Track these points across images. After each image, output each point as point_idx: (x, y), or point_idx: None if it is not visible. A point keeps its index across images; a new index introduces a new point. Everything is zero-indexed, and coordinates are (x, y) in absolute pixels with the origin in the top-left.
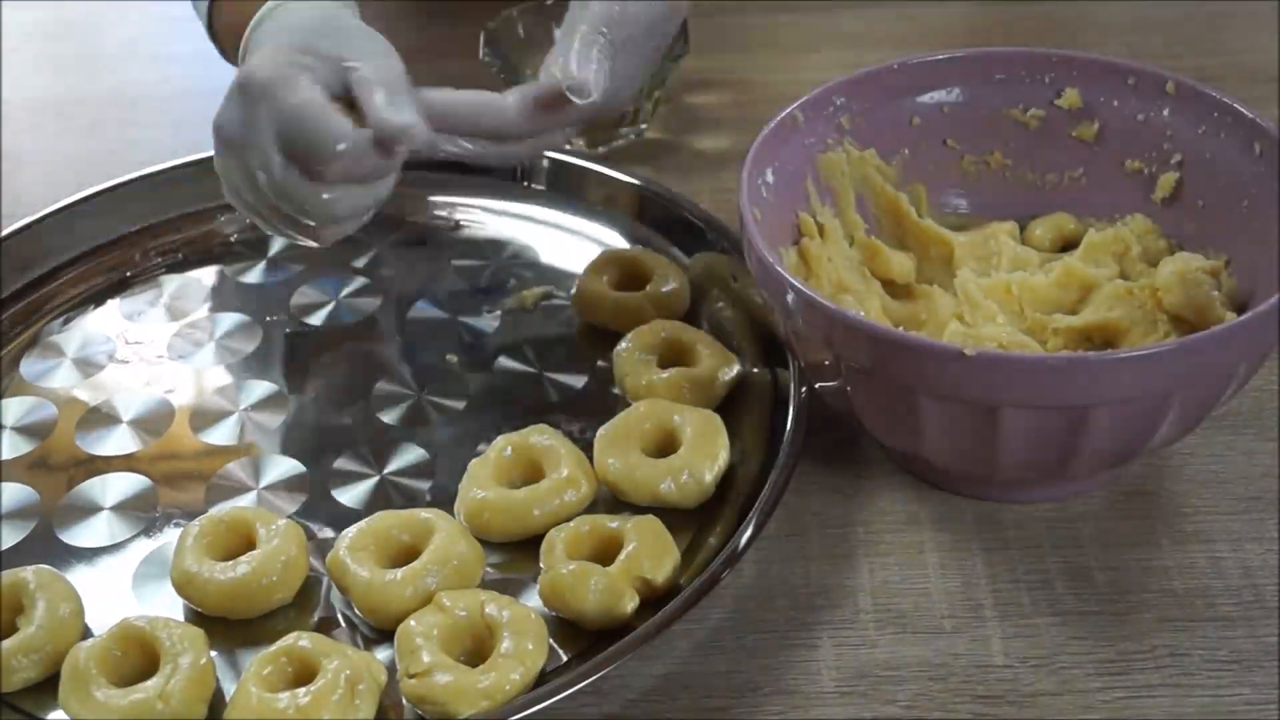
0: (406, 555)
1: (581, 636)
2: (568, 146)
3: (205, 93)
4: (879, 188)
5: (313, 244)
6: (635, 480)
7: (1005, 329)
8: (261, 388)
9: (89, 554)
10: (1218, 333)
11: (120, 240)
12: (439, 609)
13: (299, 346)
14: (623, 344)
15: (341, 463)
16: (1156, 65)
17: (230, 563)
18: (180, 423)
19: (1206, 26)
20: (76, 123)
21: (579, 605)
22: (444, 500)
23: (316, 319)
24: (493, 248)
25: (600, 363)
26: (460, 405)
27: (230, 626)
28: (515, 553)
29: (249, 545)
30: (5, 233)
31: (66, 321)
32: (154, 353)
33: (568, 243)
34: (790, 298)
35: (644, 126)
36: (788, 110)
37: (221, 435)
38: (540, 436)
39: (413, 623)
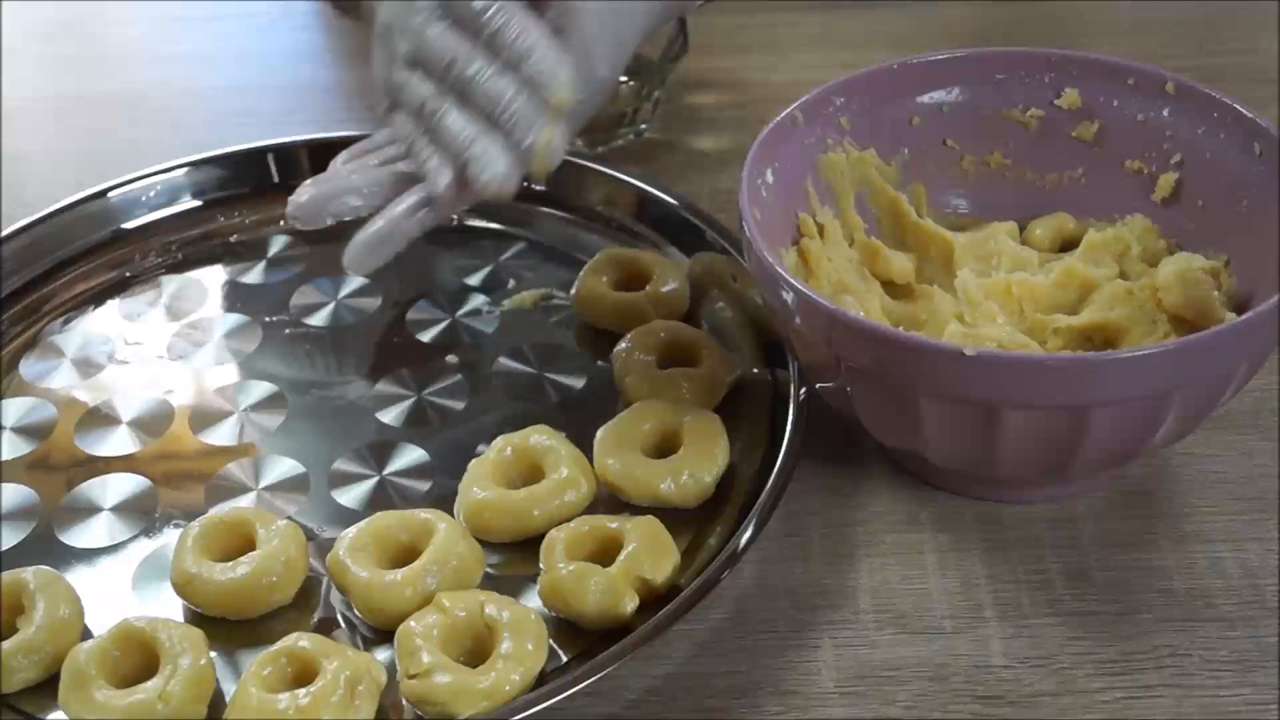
0: (406, 556)
1: (581, 637)
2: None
3: (205, 93)
4: (879, 188)
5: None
6: (635, 480)
7: (1005, 329)
8: (261, 388)
9: (89, 554)
10: (1218, 333)
11: (120, 240)
12: (439, 609)
13: (299, 346)
14: (623, 344)
15: (341, 463)
16: (1156, 65)
17: (230, 563)
18: (180, 423)
19: (1206, 26)
20: (76, 123)
21: (579, 606)
22: (444, 501)
23: (316, 319)
24: (493, 248)
25: (600, 363)
26: (460, 405)
27: (230, 627)
28: (515, 553)
29: (249, 546)
30: (5, 233)
31: (66, 322)
32: (154, 353)
33: (568, 243)
34: (790, 298)
35: (644, 126)
36: (788, 110)
37: (221, 436)
38: (540, 437)
39: (412, 623)
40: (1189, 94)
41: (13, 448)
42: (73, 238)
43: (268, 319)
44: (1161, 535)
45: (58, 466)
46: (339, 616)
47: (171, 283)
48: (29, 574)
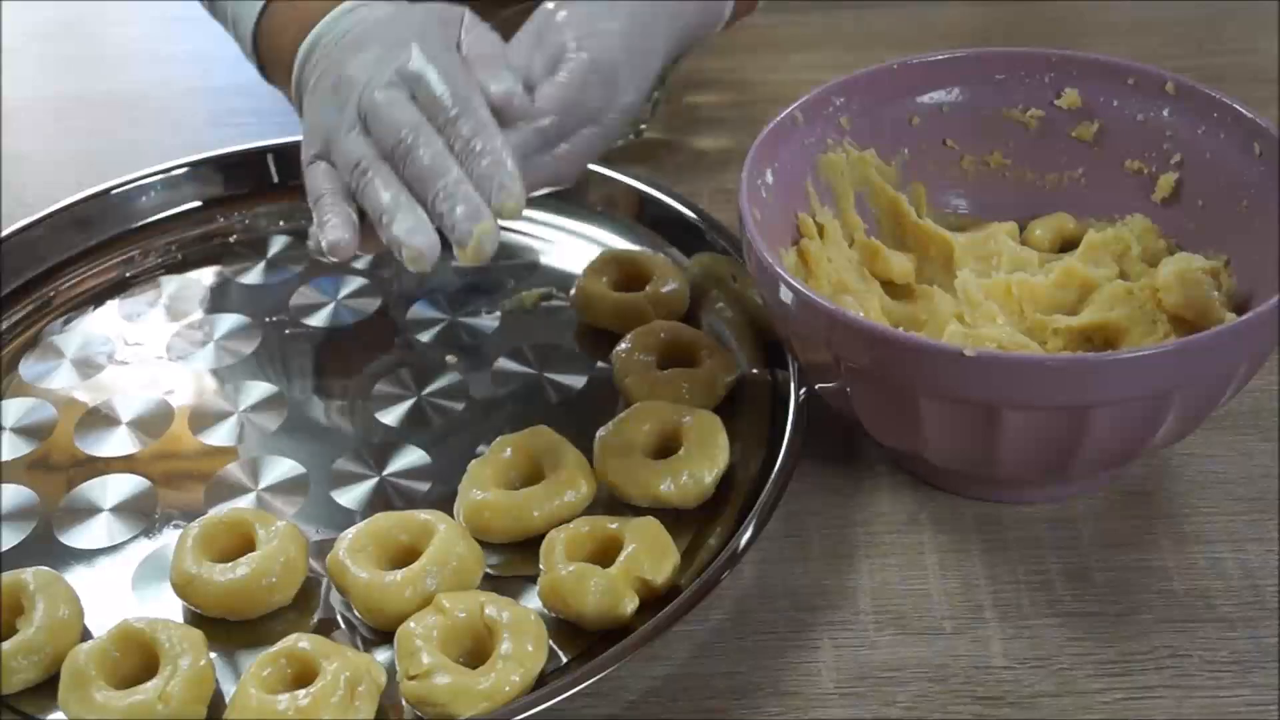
0: (406, 556)
1: (581, 638)
2: None
3: (205, 93)
4: (879, 188)
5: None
6: (635, 481)
7: (1005, 329)
8: (261, 388)
9: (88, 555)
10: (1218, 333)
11: (120, 240)
12: (439, 610)
13: (299, 347)
14: (623, 344)
15: (341, 464)
16: (1156, 65)
17: (230, 564)
18: (179, 424)
19: (1206, 26)
20: (76, 123)
21: (579, 606)
22: (443, 501)
23: (316, 319)
24: None
25: (600, 363)
26: (460, 406)
27: (230, 628)
28: (515, 554)
29: (248, 546)
30: (5, 233)
31: (66, 322)
32: (153, 353)
33: (568, 243)
34: (790, 298)
35: (644, 126)
36: (788, 110)
37: (221, 436)
38: (539, 437)
39: (412, 624)
40: (1189, 94)
41: (13, 448)
42: (73, 238)
43: (268, 319)
44: (1161, 535)
45: (58, 467)
46: (339, 617)
47: (171, 283)
48: (29, 574)
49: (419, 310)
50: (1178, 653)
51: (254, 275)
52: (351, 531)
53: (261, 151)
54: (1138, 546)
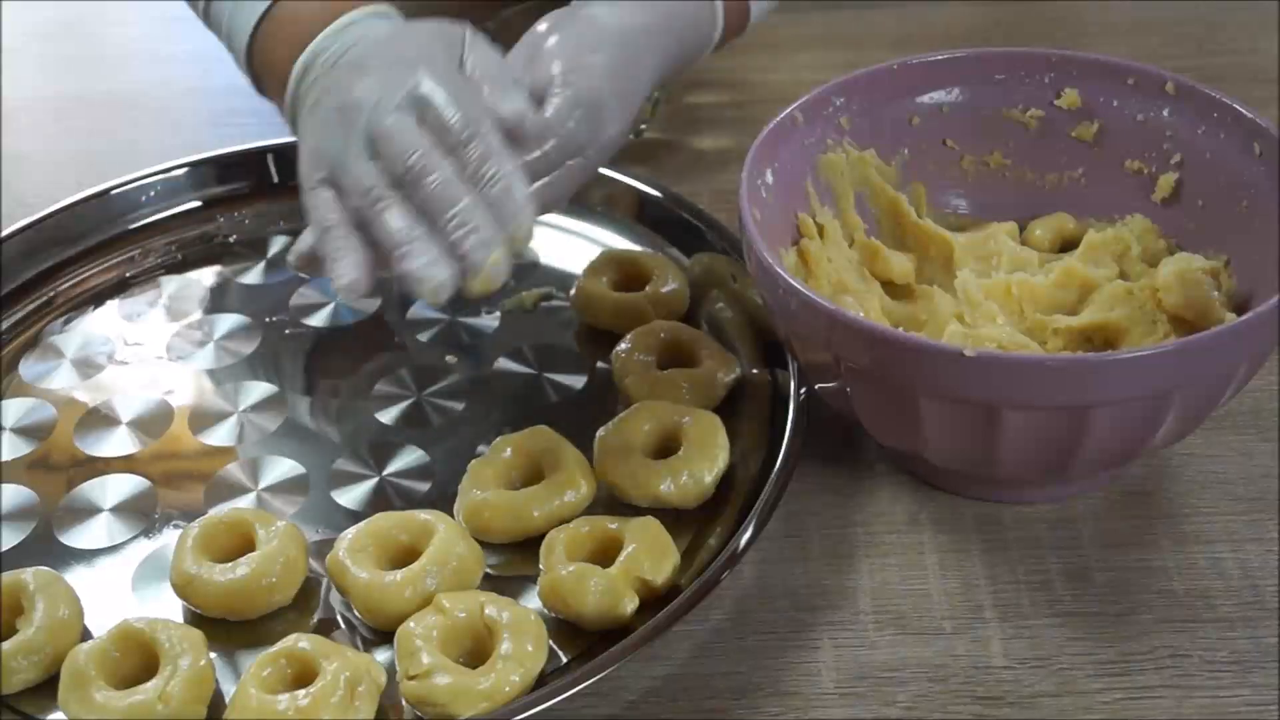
0: (406, 556)
1: (581, 638)
2: None
3: (205, 92)
4: (879, 188)
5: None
6: (635, 481)
7: (1005, 329)
8: (261, 389)
9: (88, 555)
10: (1218, 333)
11: (120, 240)
12: (438, 610)
13: (299, 347)
14: (623, 344)
15: (341, 464)
16: (1156, 65)
17: (230, 564)
18: (179, 424)
19: (1206, 26)
20: (76, 123)
21: (579, 606)
22: (443, 501)
23: (316, 319)
24: None
25: (600, 363)
26: (460, 406)
27: (230, 628)
28: (515, 554)
29: (248, 547)
30: (5, 233)
31: (66, 322)
32: (153, 353)
33: (568, 243)
34: (790, 298)
35: (644, 127)
36: (788, 110)
37: (221, 436)
38: (540, 438)
39: (412, 624)
40: (1189, 94)
41: (13, 448)
42: (73, 238)
43: (268, 319)
44: (1161, 535)
45: (58, 467)
46: (339, 617)
47: (171, 283)
48: (29, 575)
49: (419, 310)
50: (1178, 653)
51: (254, 275)
52: (351, 531)
53: (261, 151)
54: (1138, 546)
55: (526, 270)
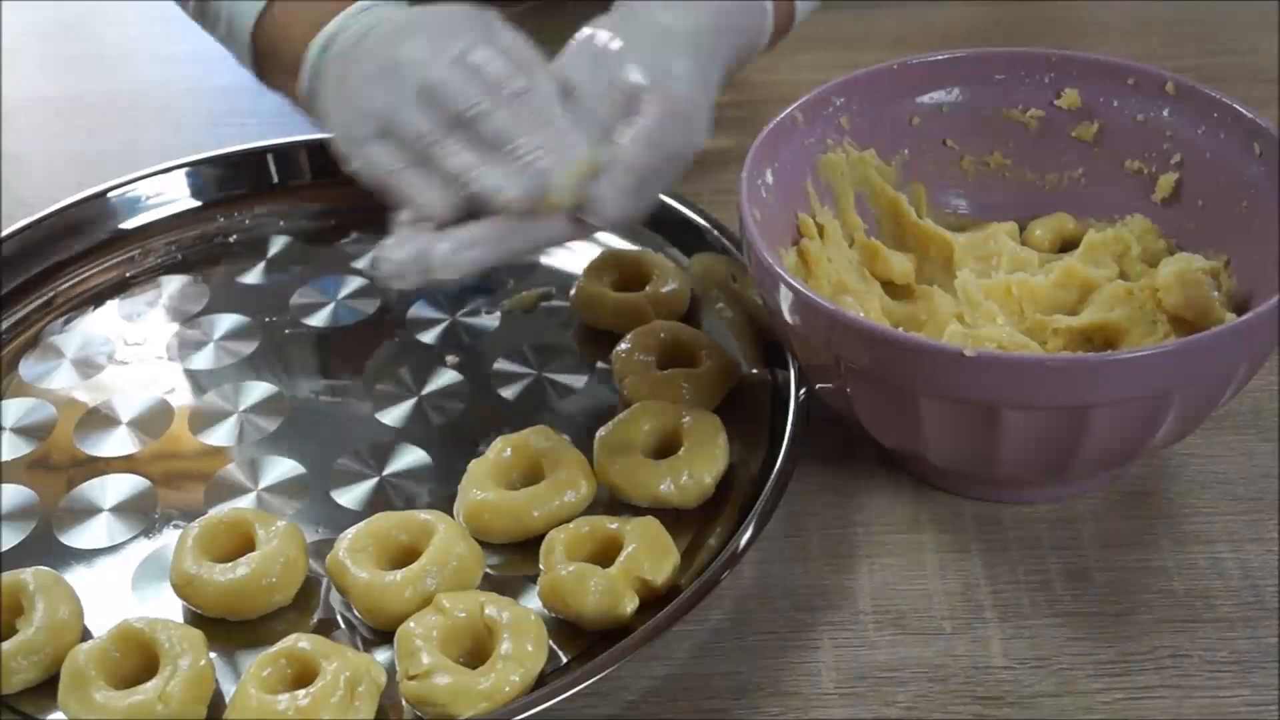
0: (406, 556)
1: (581, 638)
2: None
3: (205, 93)
4: (879, 188)
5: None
6: (635, 481)
7: (1005, 330)
8: (261, 388)
9: (88, 555)
10: (1218, 333)
11: (120, 240)
12: (438, 610)
13: (299, 347)
14: (623, 344)
15: (341, 464)
16: (1156, 65)
17: (230, 564)
18: (179, 423)
19: (1206, 26)
20: (76, 123)
21: (579, 606)
22: (443, 501)
23: (316, 319)
24: None
25: (600, 363)
26: (460, 406)
27: (230, 628)
28: (515, 554)
29: (248, 546)
30: (5, 233)
31: (66, 322)
32: (153, 353)
33: (568, 243)
34: (790, 299)
35: None
36: (788, 110)
37: (221, 436)
38: (540, 437)
39: (412, 624)
40: (1189, 94)
41: (13, 448)
42: (73, 238)
43: (268, 319)
44: (1161, 535)
45: (58, 466)
46: (339, 617)
47: (171, 283)
48: (29, 575)
49: (419, 310)
50: (1178, 653)
51: (254, 275)
52: (351, 531)
53: (261, 151)
54: (1138, 546)
55: (526, 270)
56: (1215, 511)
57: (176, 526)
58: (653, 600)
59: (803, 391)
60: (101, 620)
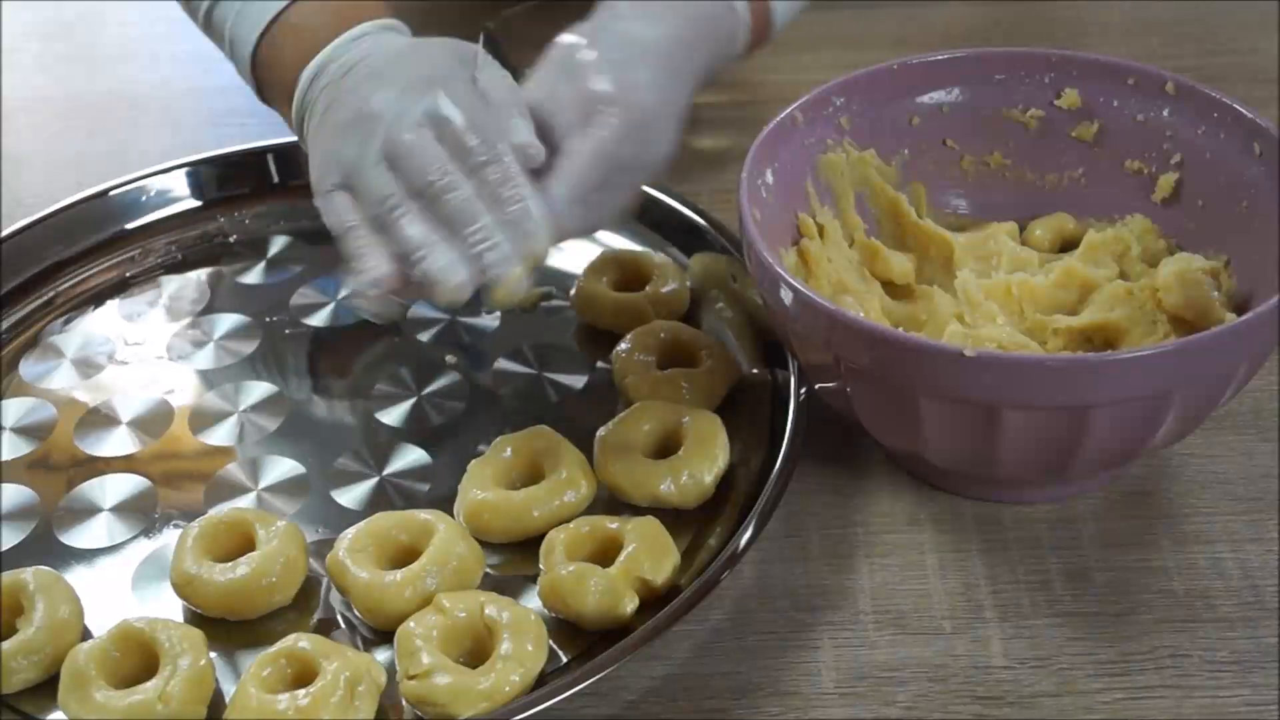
0: (406, 556)
1: (581, 638)
2: None
3: (205, 92)
4: (879, 188)
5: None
6: (635, 481)
7: (1005, 330)
8: (261, 388)
9: (88, 555)
10: (1218, 333)
11: (120, 240)
12: (438, 610)
13: (299, 347)
14: (623, 344)
15: (341, 463)
16: (1156, 65)
17: (230, 564)
18: (179, 423)
19: (1206, 26)
20: (76, 123)
21: (579, 606)
22: (443, 501)
23: (316, 319)
24: None
25: (600, 363)
26: (460, 406)
27: (230, 628)
28: (515, 554)
29: (248, 546)
30: (5, 233)
31: (67, 322)
32: (153, 353)
33: (568, 243)
34: (790, 298)
35: None
36: (788, 110)
37: (221, 436)
38: (539, 438)
39: (412, 624)
40: (1189, 94)
41: (13, 448)
42: (73, 238)
43: (268, 319)
44: (1161, 535)
45: (58, 466)
46: (339, 617)
47: (171, 283)
48: (29, 574)
49: (419, 310)
50: (1178, 653)
51: (254, 275)
52: (351, 531)
53: (261, 151)
54: (1138, 546)
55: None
56: (1215, 511)
57: (176, 526)
58: (653, 600)
59: (803, 391)
60: (101, 620)
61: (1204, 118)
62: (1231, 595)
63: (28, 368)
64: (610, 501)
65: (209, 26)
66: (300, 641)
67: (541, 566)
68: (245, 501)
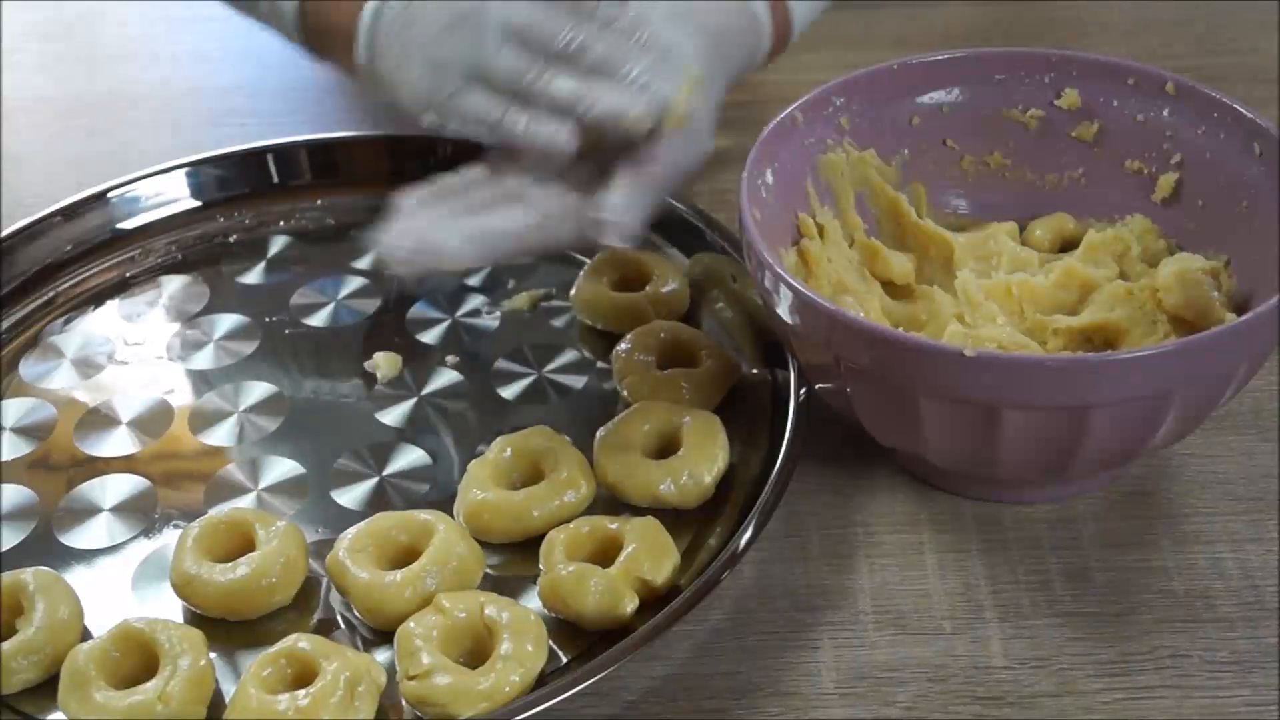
0: (406, 556)
1: (581, 638)
2: None
3: (205, 92)
4: (879, 188)
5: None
6: (635, 481)
7: (1005, 330)
8: (261, 388)
9: (88, 555)
10: (1218, 333)
11: (120, 240)
12: (438, 610)
13: (299, 347)
14: (623, 344)
15: (341, 464)
16: (1156, 65)
17: (229, 564)
18: (179, 424)
19: (1206, 26)
20: (76, 123)
21: (578, 606)
22: (443, 501)
23: (316, 319)
24: None
25: (600, 363)
26: (460, 406)
27: (230, 628)
28: (515, 554)
29: (248, 546)
30: (5, 233)
31: (67, 322)
32: (153, 353)
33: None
34: (790, 299)
35: None
36: (788, 110)
37: (221, 436)
38: (539, 438)
39: (412, 624)
40: (1189, 94)
41: (13, 448)
42: (73, 238)
43: (268, 319)
44: (1161, 535)
45: (58, 466)
46: (339, 617)
47: (171, 283)
48: (29, 575)
49: (419, 310)
50: (1178, 653)
51: (254, 275)
52: (351, 531)
53: (261, 151)
54: (1138, 546)
55: (526, 270)
56: (1215, 511)
57: (176, 526)
58: (653, 600)
59: (803, 391)
60: (101, 620)
61: (1204, 118)
62: (1231, 595)
63: (28, 368)
64: (610, 501)
65: None
66: (300, 642)
67: (541, 566)
68: (245, 502)
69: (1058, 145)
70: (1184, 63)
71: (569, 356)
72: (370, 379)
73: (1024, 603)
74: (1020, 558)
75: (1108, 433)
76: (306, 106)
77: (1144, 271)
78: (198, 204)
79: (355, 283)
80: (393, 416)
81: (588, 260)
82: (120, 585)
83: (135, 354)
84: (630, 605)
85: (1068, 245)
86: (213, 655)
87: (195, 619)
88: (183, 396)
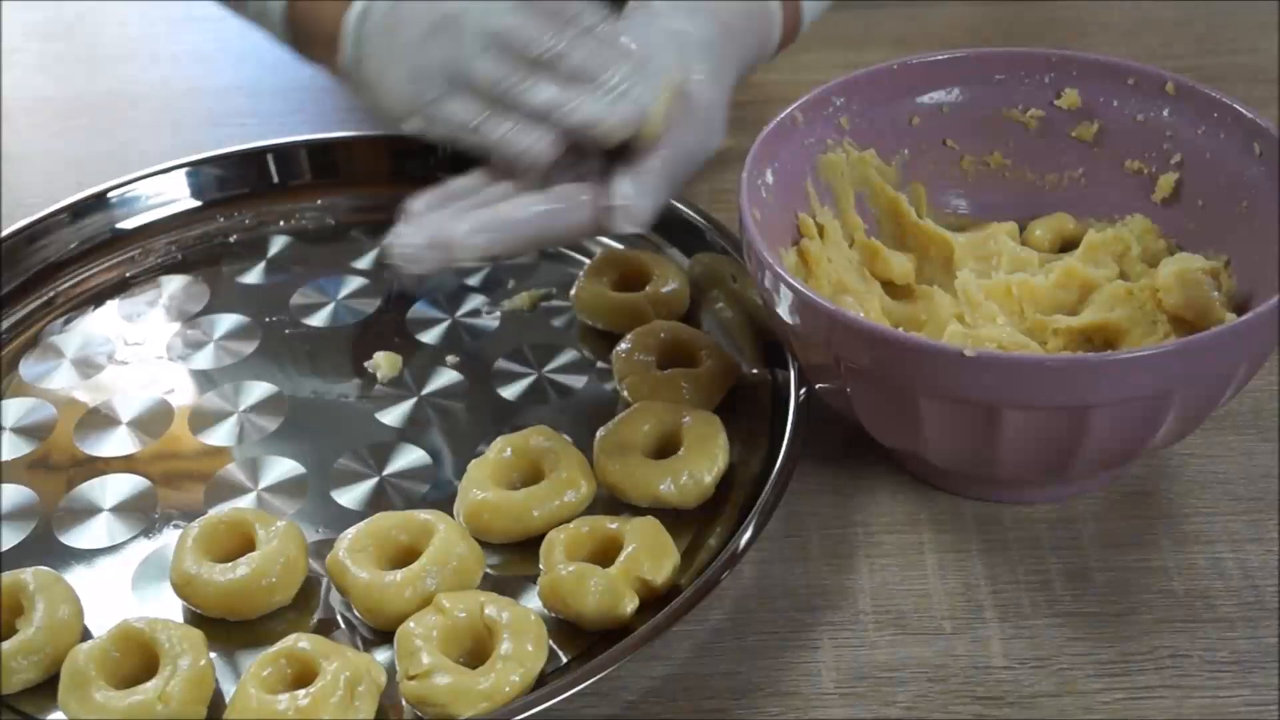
0: (406, 556)
1: (581, 638)
2: None
3: (205, 93)
4: (879, 188)
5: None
6: (635, 481)
7: (1005, 330)
8: (261, 388)
9: (88, 555)
10: (1218, 333)
11: (120, 240)
12: (438, 610)
13: (299, 347)
14: (623, 344)
15: (341, 463)
16: (1156, 65)
17: (229, 564)
18: (179, 423)
19: (1206, 26)
20: (76, 123)
21: (578, 606)
22: (443, 501)
23: (316, 319)
24: None
25: (600, 363)
26: (460, 406)
27: (230, 628)
28: (515, 554)
29: (248, 546)
30: (5, 233)
31: (66, 322)
32: (153, 353)
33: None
34: (790, 299)
35: None
36: (788, 110)
37: (221, 436)
38: (540, 437)
39: (412, 624)
40: (1189, 94)
41: (13, 448)
42: (73, 238)
43: (268, 319)
44: (1161, 535)
45: (58, 467)
46: (339, 617)
47: (171, 283)
48: (29, 574)
49: (419, 310)
50: (1178, 653)
51: (254, 275)
52: (351, 531)
53: (261, 151)
54: (1138, 546)
55: (526, 270)
56: (1215, 511)
57: (176, 526)
58: (653, 600)
59: (803, 391)
60: (101, 620)
61: (1204, 118)
62: (1231, 595)
63: (28, 368)
64: (610, 501)
65: None
66: (300, 642)
67: (541, 566)
68: (245, 501)
69: (1058, 145)
70: (1184, 63)
71: (569, 356)
72: (370, 379)
73: (1024, 603)
74: (1020, 558)
75: (1108, 433)
76: (306, 106)
77: (1144, 271)
78: (198, 204)
79: (355, 283)
80: (393, 416)
81: (588, 260)
82: (120, 585)
83: (135, 354)
84: (630, 605)
85: (1068, 245)
86: (213, 655)
87: (195, 619)
88: (183, 396)
